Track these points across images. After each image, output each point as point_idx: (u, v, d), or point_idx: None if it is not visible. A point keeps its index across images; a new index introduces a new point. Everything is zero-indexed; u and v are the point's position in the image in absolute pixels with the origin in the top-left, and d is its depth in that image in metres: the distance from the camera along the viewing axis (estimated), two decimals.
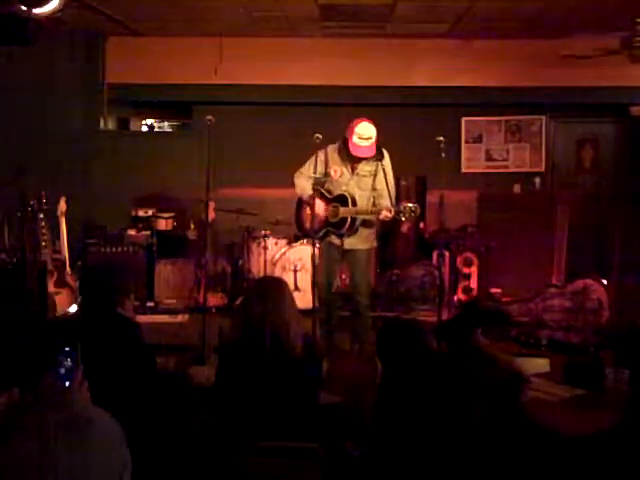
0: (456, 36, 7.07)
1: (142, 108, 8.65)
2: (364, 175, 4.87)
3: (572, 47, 6.88)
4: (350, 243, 4.91)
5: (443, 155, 4.77)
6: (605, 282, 5.31)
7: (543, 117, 7.65)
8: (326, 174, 4.92)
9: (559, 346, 5.08)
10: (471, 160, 7.70)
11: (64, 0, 4.38)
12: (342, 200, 4.84)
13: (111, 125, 8.00)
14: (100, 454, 1.29)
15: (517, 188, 7.47)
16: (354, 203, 4.82)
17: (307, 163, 5.00)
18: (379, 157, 4.80)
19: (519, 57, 7.21)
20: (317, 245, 4.92)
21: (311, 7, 6.12)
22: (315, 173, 4.90)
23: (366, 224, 4.93)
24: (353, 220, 4.83)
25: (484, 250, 6.76)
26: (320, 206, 4.87)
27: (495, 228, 6.98)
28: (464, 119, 7.66)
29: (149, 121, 9.13)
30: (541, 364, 4.22)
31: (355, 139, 4.75)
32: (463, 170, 7.67)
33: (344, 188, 4.85)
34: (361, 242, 4.95)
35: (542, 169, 7.66)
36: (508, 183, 7.54)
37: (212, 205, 5.65)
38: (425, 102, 7.42)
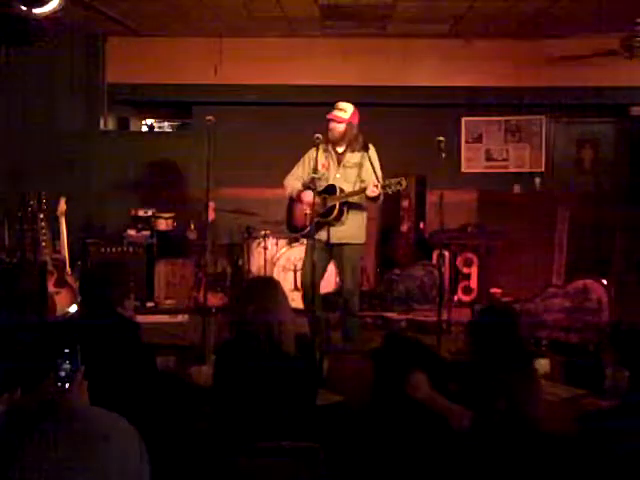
0: (456, 36, 7.07)
1: (142, 108, 8.65)
2: (350, 167, 4.93)
3: (572, 47, 6.88)
4: (339, 237, 4.87)
5: (443, 155, 4.77)
6: (605, 282, 5.31)
7: (543, 117, 7.65)
8: (315, 171, 4.94)
9: (559, 346, 5.07)
10: (471, 160, 7.70)
11: (64, 0, 4.38)
12: (330, 191, 4.89)
13: (111, 125, 8.00)
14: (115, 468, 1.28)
15: (517, 188, 7.47)
16: (342, 192, 4.87)
17: (296, 165, 5.11)
18: (365, 149, 4.84)
19: (519, 57, 7.22)
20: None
21: (311, 7, 6.12)
22: (304, 173, 5.00)
23: (355, 213, 4.92)
24: (341, 208, 4.83)
25: (484, 250, 6.76)
26: (310, 196, 4.89)
27: (495, 228, 6.98)
28: (464, 119, 7.66)
29: (149, 121, 9.14)
30: (541, 364, 4.22)
31: (332, 111, 4.89)
32: (463, 170, 7.67)
33: (331, 181, 4.92)
34: (350, 235, 4.92)
35: (542, 169, 7.66)
36: (508, 183, 7.54)
37: (212, 205, 5.65)
38: (425, 102, 7.42)
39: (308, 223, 4.93)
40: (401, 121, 7.45)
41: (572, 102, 7.46)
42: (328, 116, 4.90)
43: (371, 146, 4.89)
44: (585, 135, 7.77)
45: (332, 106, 4.95)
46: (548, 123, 7.66)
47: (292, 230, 5.32)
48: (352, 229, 4.93)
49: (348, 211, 4.88)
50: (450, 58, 7.27)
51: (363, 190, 4.72)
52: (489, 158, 7.71)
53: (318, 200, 4.88)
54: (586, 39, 6.87)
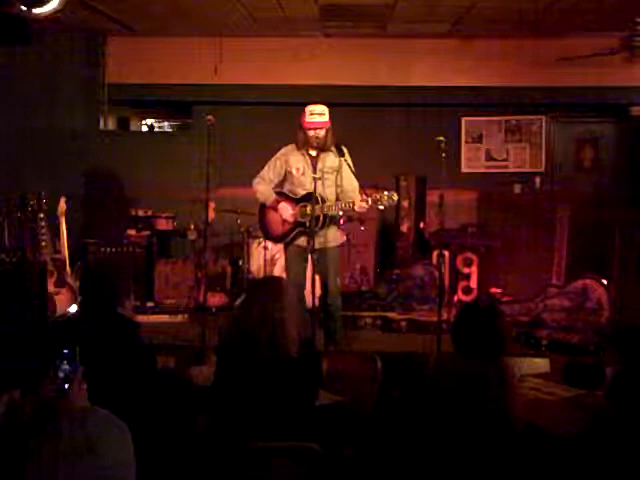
0: (456, 36, 7.07)
1: (142, 108, 8.65)
2: (326, 172, 4.76)
3: (572, 47, 6.88)
4: (320, 242, 4.73)
5: (443, 155, 4.77)
6: (605, 282, 5.31)
7: (543, 117, 7.65)
8: (286, 174, 4.87)
9: (559, 346, 5.07)
10: (471, 160, 7.70)
11: (64, 0, 4.38)
12: (309, 199, 4.65)
13: (111, 125, 8.01)
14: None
15: (517, 188, 7.47)
16: (323, 200, 4.69)
17: (266, 167, 4.94)
18: (340, 153, 4.63)
19: (519, 57, 7.22)
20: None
21: (311, 7, 6.12)
22: (275, 177, 4.88)
23: (332, 220, 4.82)
24: (325, 217, 4.71)
25: (484, 250, 6.75)
26: (287, 208, 4.83)
27: (495, 228, 6.98)
28: (464, 119, 7.66)
29: (149, 121, 9.14)
30: (541, 364, 4.22)
31: (308, 117, 4.69)
32: (463, 170, 7.67)
33: (308, 187, 4.70)
34: (331, 239, 4.84)
35: (542, 169, 7.66)
36: (508, 183, 7.54)
37: (212, 205, 5.65)
38: (425, 102, 7.43)
39: (287, 230, 4.86)
40: (401, 121, 7.45)
41: (572, 102, 7.46)
42: (310, 125, 4.68)
43: (345, 149, 4.69)
44: (585, 135, 7.77)
45: (327, 107, 4.73)
46: (548, 123, 7.66)
47: (268, 237, 5.17)
48: (331, 233, 4.84)
49: (330, 219, 4.79)
50: (450, 58, 7.27)
51: (352, 204, 4.61)
52: (489, 158, 7.71)
53: (297, 208, 4.81)
54: (586, 39, 6.86)
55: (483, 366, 2.57)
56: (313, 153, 4.76)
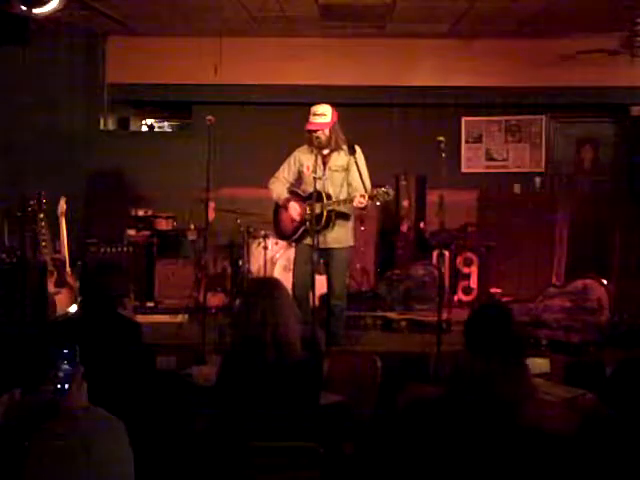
0: (456, 36, 7.07)
1: (142, 108, 8.65)
2: (336, 170, 4.80)
3: (572, 47, 6.88)
4: (326, 242, 4.77)
5: (443, 155, 4.77)
6: (605, 282, 5.31)
7: (543, 117, 7.65)
8: (300, 174, 4.91)
9: (559, 346, 5.08)
10: (471, 160, 7.70)
11: (64, 0, 4.38)
12: (316, 197, 4.67)
13: (111, 125, 8.01)
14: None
15: (517, 188, 7.47)
16: (329, 198, 4.72)
17: (281, 167, 5.00)
18: (351, 151, 4.66)
19: (519, 57, 7.21)
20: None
21: (311, 7, 6.12)
22: (289, 176, 4.93)
23: (342, 219, 4.83)
24: (329, 215, 4.72)
25: (484, 250, 6.75)
26: (296, 207, 4.87)
27: (495, 228, 6.98)
28: (464, 119, 7.66)
29: (149, 121, 9.13)
30: (541, 364, 4.22)
31: (310, 118, 4.75)
32: (463, 170, 7.67)
33: (317, 185, 4.70)
34: (337, 240, 4.85)
35: (542, 169, 7.66)
36: (508, 183, 7.54)
37: (212, 205, 5.65)
38: (425, 102, 7.42)
39: (295, 229, 4.91)
40: (401, 121, 7.45)
41: (572, 102, 7.46)
42: (309, 127, 4.73)
43: (358, 148, 4.72)
44: (585, 135, 7.77)
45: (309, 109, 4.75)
46: (548, 123, 7.66)
47: (279, 235, 5.24)
48: (339, 234, 4.86)
49: (336, 217, 4.79)
50: (450, 58, 7.27)
51: (350, 200, 4.64)
52: (489, 158, 7.71)
53: (304, 207, 4.83)
54: (586, 39, 6.86)
55: (498, 368, 2.56)
56: (324, 152, 4.80)
